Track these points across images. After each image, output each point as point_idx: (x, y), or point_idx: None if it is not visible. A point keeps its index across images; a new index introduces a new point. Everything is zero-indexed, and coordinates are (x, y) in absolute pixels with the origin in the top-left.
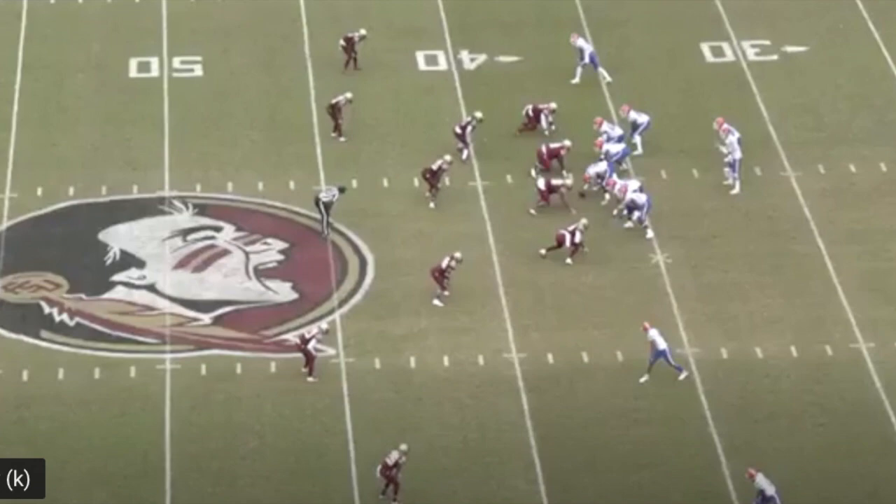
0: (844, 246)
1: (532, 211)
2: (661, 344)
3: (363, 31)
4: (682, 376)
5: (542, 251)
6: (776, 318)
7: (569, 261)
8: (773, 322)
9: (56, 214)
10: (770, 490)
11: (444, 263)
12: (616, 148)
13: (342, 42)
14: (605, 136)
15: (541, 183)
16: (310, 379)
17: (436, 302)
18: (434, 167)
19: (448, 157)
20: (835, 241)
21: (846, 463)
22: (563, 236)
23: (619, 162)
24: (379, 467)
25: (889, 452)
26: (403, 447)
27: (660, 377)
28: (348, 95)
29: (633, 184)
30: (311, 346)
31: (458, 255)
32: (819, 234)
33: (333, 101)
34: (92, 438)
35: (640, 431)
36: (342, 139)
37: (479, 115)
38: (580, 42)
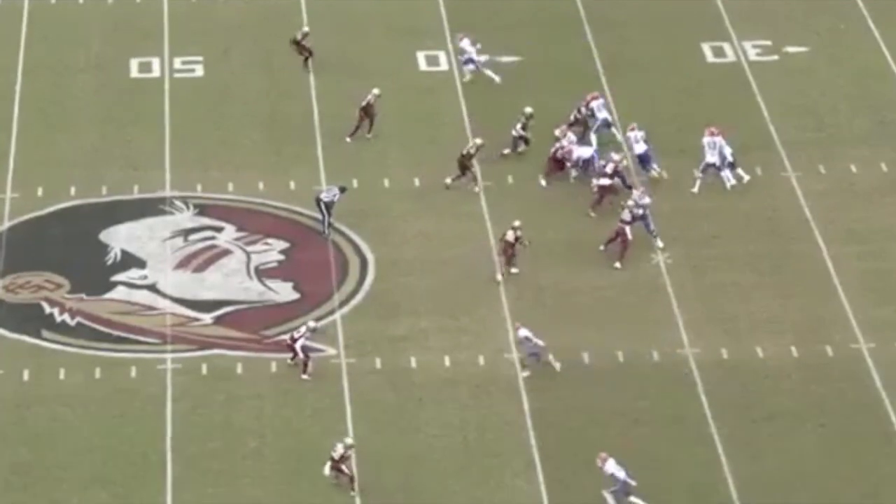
0: (844, 246)
1: (592, 213)
2: (620, 475)
3: (306, 29)
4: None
5: (602, 247)
6: (776, 318)
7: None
8: (773, 322)
9: (57, 214)
10: (620, 474)
11: (511, 236)
12: (640, 149)
13: (293, 46)
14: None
15: (602, 180)
16: (304, 377)
17: (498, 277)
18: (464, 151)
19: (479, 140)
20: (835, 241)
21: (846, 463)
22: (622, 230)
23: (645, 167)
24: (328, 464)
25: (889, 452)
26: (348, 440)
27: (660, 377)
28: (376, 91)
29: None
30: (298, 344)
31: (516, 223)
32: (819, 234)
33: (363, 102)
34: (92, 438)
35: (640, 431)
36: (368, 136)
37: (529, 110)
38: (464, 43)
